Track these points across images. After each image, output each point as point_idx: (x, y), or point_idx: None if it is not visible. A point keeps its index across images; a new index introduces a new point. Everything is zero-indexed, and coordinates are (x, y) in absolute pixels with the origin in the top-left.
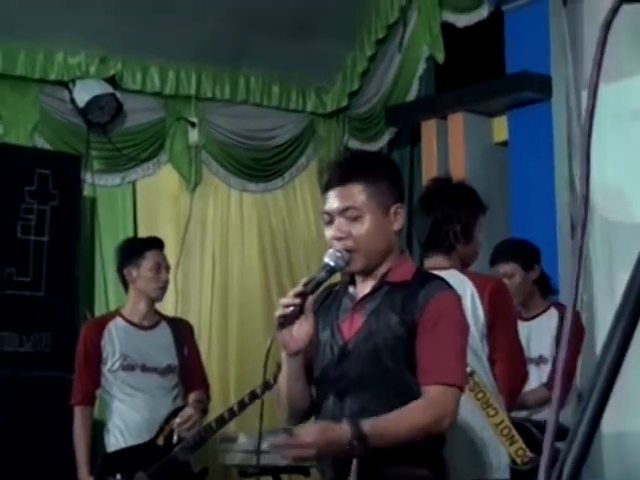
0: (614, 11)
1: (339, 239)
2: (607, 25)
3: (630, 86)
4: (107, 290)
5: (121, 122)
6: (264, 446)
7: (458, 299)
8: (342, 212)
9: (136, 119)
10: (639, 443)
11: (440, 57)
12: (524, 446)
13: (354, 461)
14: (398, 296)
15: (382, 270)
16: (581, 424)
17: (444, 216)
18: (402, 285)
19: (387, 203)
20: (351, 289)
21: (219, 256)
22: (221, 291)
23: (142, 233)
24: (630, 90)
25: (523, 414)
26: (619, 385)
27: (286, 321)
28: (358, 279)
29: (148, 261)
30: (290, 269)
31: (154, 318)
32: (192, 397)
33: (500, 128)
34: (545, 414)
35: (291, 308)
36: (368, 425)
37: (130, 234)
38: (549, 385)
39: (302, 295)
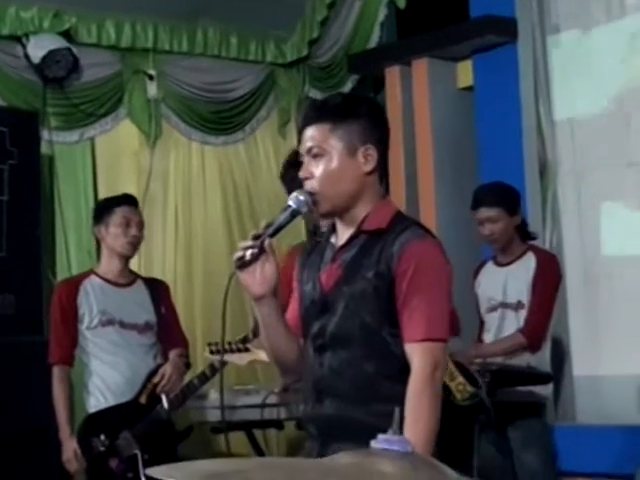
0: None
1: (304, 179)
2: None
3: None
4: (69, 249)
5: (77, 77)
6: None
7: (437, 245)
8: (308, 151)
9: (93, 74)
10: (611, 386)
11: (401, 3)
12: (464, 381)
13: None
14: (374, 245)
15: (359, 217)
16: None
17: None
18: (378, 233)
19: (355, 143)
20: (333, 239)
21: (182, 211)
22: (184, 245)
23: (102, 190)
24: None
25: (499, 360)
26: (592, 330)
27: (245, 263)
28: (338, 228)
29: (116, 217)
30: (253, 221)
31: (130, 276)
32: (173, 353)
33: (465, 73)
34: (519, 359)
35: (249, 250)
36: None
37: (90, 192)
38: (524, 331)
39: (260, 237)
